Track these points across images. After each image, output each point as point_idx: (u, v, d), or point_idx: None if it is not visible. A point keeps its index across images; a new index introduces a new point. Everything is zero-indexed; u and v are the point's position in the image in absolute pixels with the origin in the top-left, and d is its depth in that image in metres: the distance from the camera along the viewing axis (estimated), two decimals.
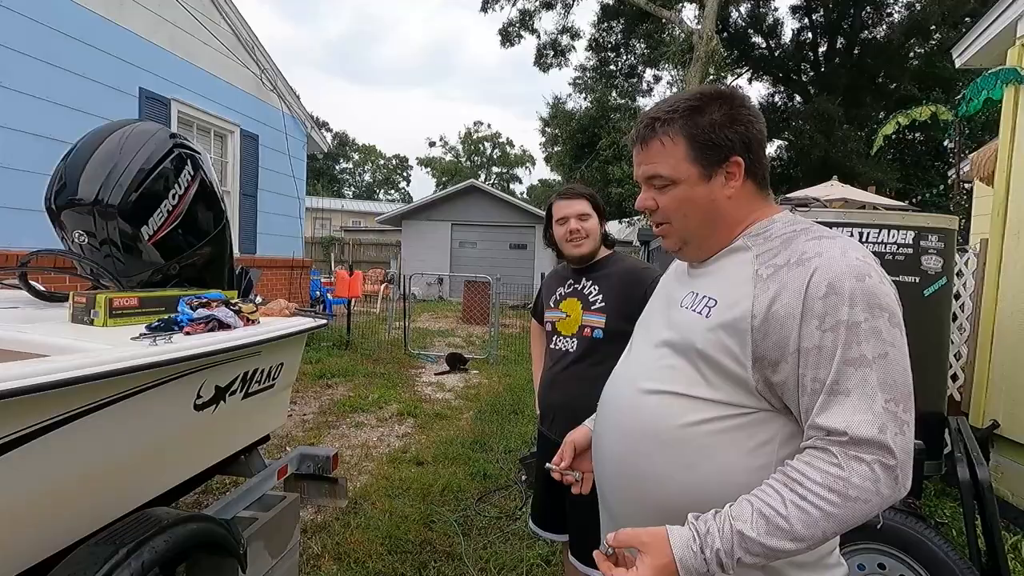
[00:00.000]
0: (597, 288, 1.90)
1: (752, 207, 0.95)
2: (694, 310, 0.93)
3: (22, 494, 1.17)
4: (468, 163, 50.40)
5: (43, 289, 2.17)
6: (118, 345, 1.42)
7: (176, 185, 2.18)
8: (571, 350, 1.90)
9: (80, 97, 4.75)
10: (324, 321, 2.41)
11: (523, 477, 3.41)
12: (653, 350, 1.00)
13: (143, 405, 1.43)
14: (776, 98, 20.54)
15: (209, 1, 6.51)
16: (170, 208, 2.16)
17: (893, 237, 2.75)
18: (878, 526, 1.98)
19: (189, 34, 6.15)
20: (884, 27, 18.27)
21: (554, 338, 1.99)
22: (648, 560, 0.79)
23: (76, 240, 2.09)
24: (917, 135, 16.56)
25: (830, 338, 0.78)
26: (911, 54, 17.98)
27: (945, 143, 14.40)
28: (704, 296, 0.93)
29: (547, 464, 1.24)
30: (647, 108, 1.01)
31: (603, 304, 1.85)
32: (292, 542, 2.20)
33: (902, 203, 6.13)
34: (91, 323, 1.73)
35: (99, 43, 5.02)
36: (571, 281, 1.98)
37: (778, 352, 0.82)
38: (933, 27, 16.67)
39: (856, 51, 18.70)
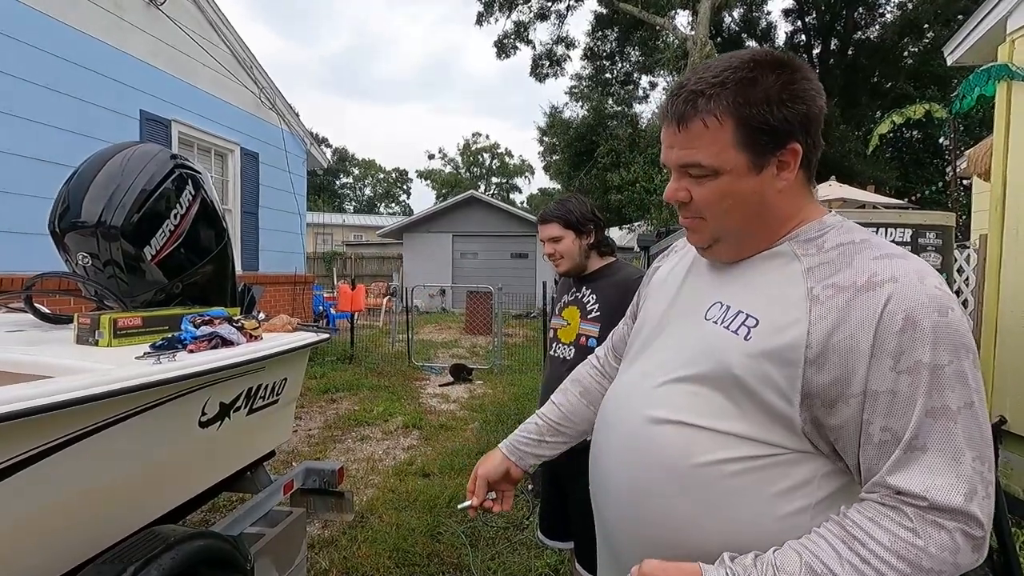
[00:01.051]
0: (595, 297, 1.92)
1: (800, 203, 0.80)
2: (727, 327, 0.78)
3: (32, 514, 1.18)
4: (468, 174, 50.65)
5: (48, 311, 2.19)
6: (123, 365, 1.43)
7: (178, 205, 2.20)
8: (567, 357, 1.92)
9: (82, 121, 4.82)
10: (326, 336, 2.42)
11: (529, 487, 3.39)
12: (667, 369, 0.85)
13: (148, 423, 1.44)
14: None
15: (207, 23, 6.60)
16: (172, 228, 2.18)
17: (891, 235, 2.75)
18: None
19: (188, 56, 6.24)
20: (877, 27, 18.41)
21: (554, 344, 2.02)
22: None
23: (80, 262, 2.11)
24: (914, 133, 16.63)
25: (906, 382, 0.66)
26: (905, 53, 18.09)
27: (940, 140, 14.44)
28: (739, 312, 0.78)
29: (459, 505, 1.22)
30: (647, 113, 0.87)
31: (598, 314, 1.87)
32: (299, 557, 2.20)
33: (901, 201, 6.15)
34: (96, 344, 1.75)
35: (100, 68, 5.09)
36: (574, 289, 2.01)
37: (836, 391, 0.69)
38: (926, 25, 16.79)
39: (850, 52, 18.82)
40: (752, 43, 19.65)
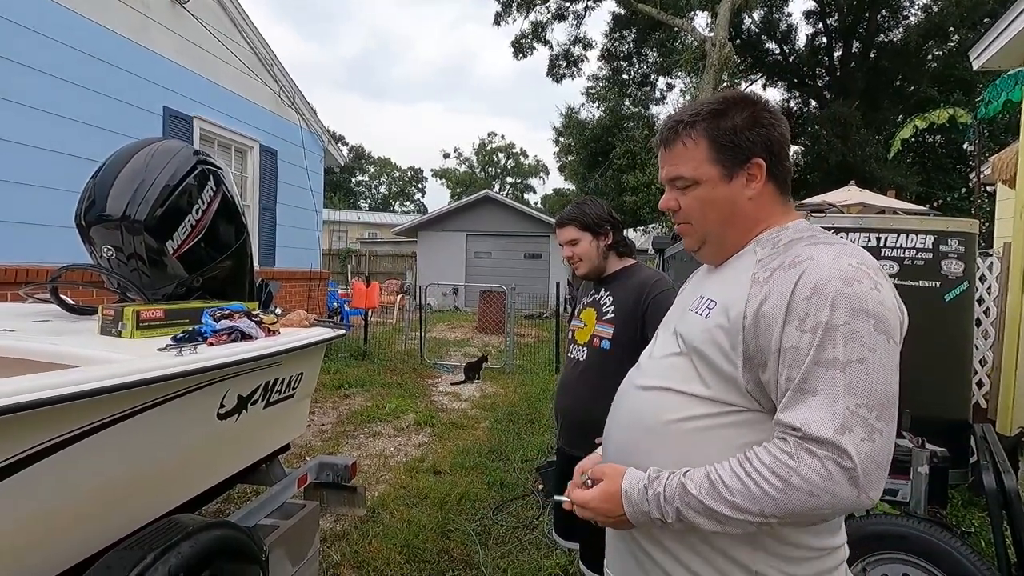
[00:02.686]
0: (611, 299, 1.92)
1: (771, 211, 0.96)
2: (698, 312, 0.96)
3: (57, 500, 1.22)
4: (482, 174, 50.71)
5: (73, 302, 2.24)
6: (145, 356, 1.47)
7: (199, 200, 2.24)
8: (580, 359, 1.93)
9: (108, 117, 4.91)
10: (342, 331, 2.45)
11: (540, 487, 3.40)
12: (664, 351, 1.03)
13: (169, 414, 1.47)
14: (791, 103, 20.39)
15: (230, 21, 6.69)
16: (193, 223, 2.22)
17: (912, 242, 2.72)
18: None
19: (211, 54, 6.33)
20: (900, 30, 18.07)
21: (571, 346, 2.03)
22: (602, 485, 0.92)
23: (104, 255, 2.16)
24: (937, 138, 16.31)
25: (807, 339, 0.79)
26: (929, 56, 17.75)
27: (965, 146, 14.15)
28: (708, 299, 0.96)
29: (555, 497, 1.21)
30: (664, 114, 1.04)
31: (613, 315, 1.87)
32: (312, 550, 2.22)
33: (922, 207, 6.03)
34: (119, 335, 1.79)
35: (127, 65, 5.19)
36: (593, 291, 2.02)
37: (764, 352, 0.84)
38: (951, 28, 16.45)
39: (872, 54, 18.52)
40: (772, 45, 19.44)
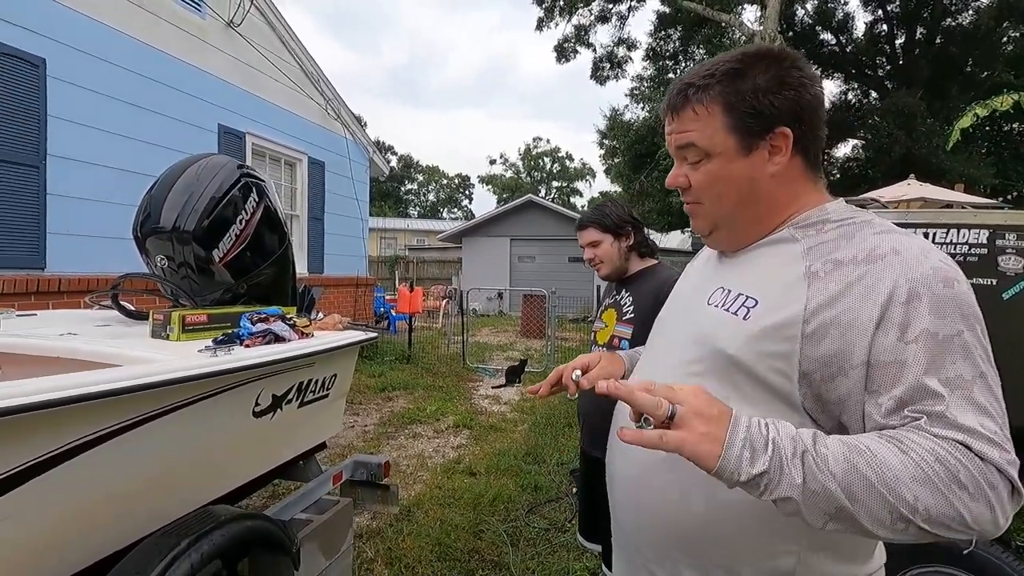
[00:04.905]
0: (631, 299, 1.91)
1: (799, 190, 0.82)
2: (727, 310, 0.80)
3: (102, 489, 1.33)
4: (528, 179, 50.93)
5: (133, 308, 2.42)
6: (185, 357, 1.58)
7: (243, 211, 2.37)
8: None
9: (167, 135, 5.27)
10: (374, 335, 2.54)
11: (574, 489, 3.39)
12: (674, 355, 0.88)
13: (206, 411, 1.57)
14: (849, 95, 19.45)
15: (279, 40, 7.04)
16: (238, 232, 2.35)
17: (964, 237, 2.56)
18: (965, 551, 1.84)
19: (261, 72, 6.68)
20: (970, 12, 16.93)
21: (593, 347, 2.03)
22: (701, 395, 0.67)
23: (159, 264, 2.33)
24: (1015, 125, 15.15)
25: (914, 351, 0.65)
26: (1004, 39, 16.53)
27: None
28: (740, 294, 0.80)
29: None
30: (679, 76, 0.87)
31: (632, 315, 1.86)
32: (345, 545, 2.31)
33: (994, 201, 5.62)
34: (167, 337, 1.92)
35: (184, 86, 5.55)
36: (615, 292, 2.02)
37: (837, 364, 0.69)
38: None
39: (939, 40, 17.42)
40: (827, 36, 18.62)
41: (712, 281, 0.88)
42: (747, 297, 0.79)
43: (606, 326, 1.98)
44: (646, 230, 2.05)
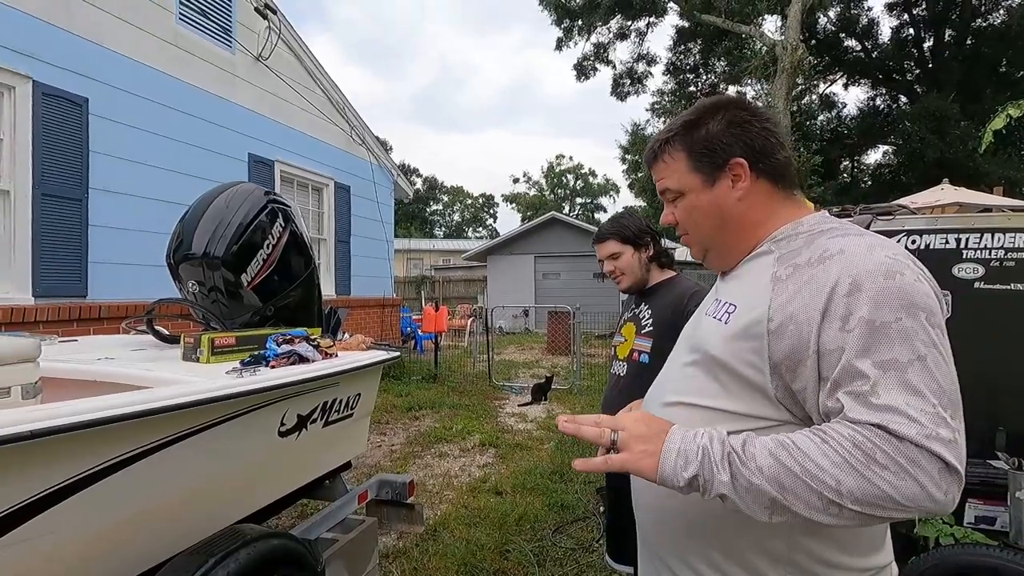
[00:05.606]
0: (650, 312, 1.90)
1: (772, 209, 0.93)
2: (715, 317, 0.92)
3: (134, 507, 1.37)
4: (552, 196, 51.13)
5: (167, 333, 2.51)
6: (213, 378, 1.63)
7: (270, 236, 2.45)
8: (622, 374, 1.91)
9: (200, 165, 5.50)
10: (396, 354, 2.57)
11: (601, 508, 3.34)
12: (677, 359, 1.01)
13: (232, 431, 1.62)
14: (878, 101, 19.07)
15: (305, 72, 7.30)
16: (265, 256, 2.43)
17: (999, 241, 2.47)
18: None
19: (288, 102, 6.93)
20: (1002, 11, 16.50)
21: (613, 362, 2.02)
22: (640, 417, 0.83)
23: (190, 289, 2.41)
24: None
25: (854, 339, 0.72)
26: None
27: None
28: (726, 303, 0.91)
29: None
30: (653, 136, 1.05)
31: (651, 328, 1.85)
32: (371, 565, 2.32)
33: None
34: (197, 360, 1.99)
35: (215, 118, 5.80)
36: (633, 306, 2.01)
37: (796, 356, 0.77)
38: None
39: (969, 41, 17.00)
40: (851, 43, 18.35)
41: (712, 296, 1.02)
42: (730, 304, 0.90)
43: (625, 340, 1.96)
44: (664, 241, 2.03)
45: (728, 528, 0.85)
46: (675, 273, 2.00)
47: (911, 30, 17.96)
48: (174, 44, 5.36)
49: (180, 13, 5.44)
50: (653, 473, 0.75)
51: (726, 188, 0.93)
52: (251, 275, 2.40)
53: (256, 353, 1.99)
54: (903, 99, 18.37)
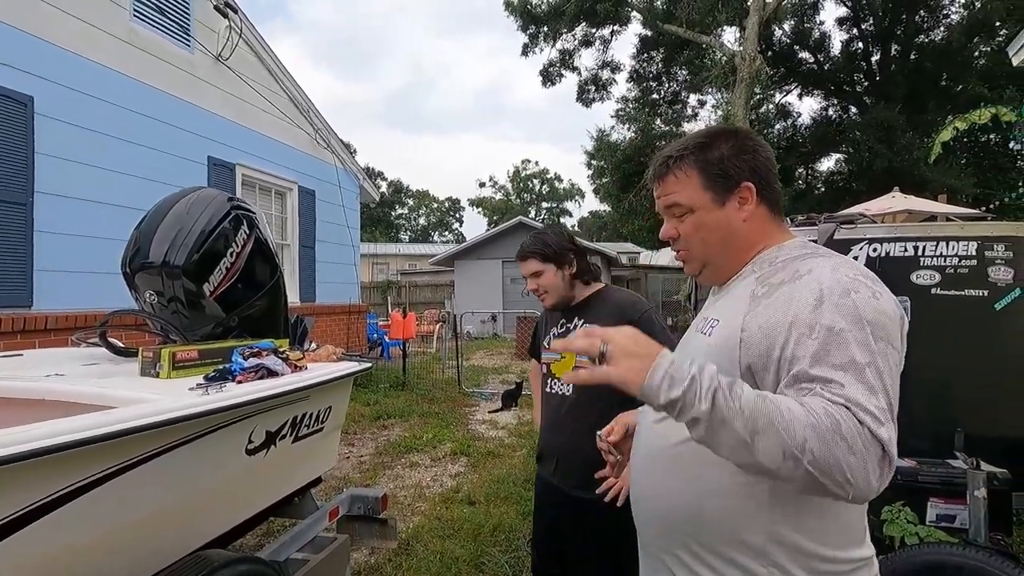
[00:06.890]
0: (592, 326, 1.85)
1: (765, 232, 1.02)
2: (702, 332, 1.00)
3: (90, 537, 1.28)
4: (518, 200, 51.29)
5: (121, 345, 2.37)
6: (177, 396, 1.54)
7: (234, 243, 2.35)
8: (567, 394, 1.85)
9: (155, 169, 5.26)
10: (368, 365, 2.50)
11: None
12: None
13: (198, 452, 1.53)
14: (830, 111, 19.87)
15: (268, 73, 7.11)
16: (228, 264, 2.32)
17: (953, 249, 2.59)
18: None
19: (251, 104, 6.73)
20: (942, 29, 17.46)
21: (549, 381, 1.95)
22: (631, 335, 0.85)
23: (148, 299, 2.29)
24: (992, 136, 15.50)
25: (814, 345, 0.80)
26: (976, 53, 17.03)
27: (1011, 145, 13.41)
28: (712, 319, 0.99)
29: (598, 432, 1.28)
30: (660, 151, 1.08)
31: None
32: None
33: (976, 211, 5.70)
34: (156, 375, 1.88)
35: (174, 120, 5.57)
36: (563, 321, 1.93)
37: (763, 361, 0.86)
38: (998, 23, 15.77)
39: (913, 56, 17.91)
40: (805, 55, 19.08)
41: (702, 315, 1.09)
42: (715, 320, 0.99)
43: (562, 358, 1.79)
44: (589, 257, 1.94)
45: (713, 523, 0.92)
46: (603, 285, 1.95)
47: (860, 44, 18.81)
48: (128, 42, 5.13)
49: (135, 10, 5.21)
50: (637, 387, 0.79)
51: (734, 209, 1.00)
52: (214, 285, 2.29)
53: (221, 367, 1.90)
54: (853, 110, 19.20)
